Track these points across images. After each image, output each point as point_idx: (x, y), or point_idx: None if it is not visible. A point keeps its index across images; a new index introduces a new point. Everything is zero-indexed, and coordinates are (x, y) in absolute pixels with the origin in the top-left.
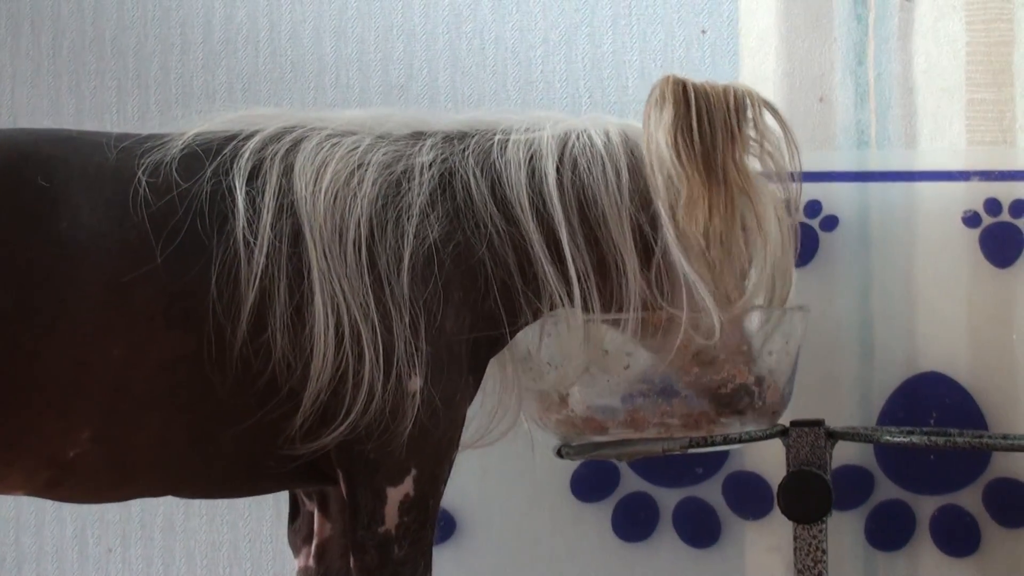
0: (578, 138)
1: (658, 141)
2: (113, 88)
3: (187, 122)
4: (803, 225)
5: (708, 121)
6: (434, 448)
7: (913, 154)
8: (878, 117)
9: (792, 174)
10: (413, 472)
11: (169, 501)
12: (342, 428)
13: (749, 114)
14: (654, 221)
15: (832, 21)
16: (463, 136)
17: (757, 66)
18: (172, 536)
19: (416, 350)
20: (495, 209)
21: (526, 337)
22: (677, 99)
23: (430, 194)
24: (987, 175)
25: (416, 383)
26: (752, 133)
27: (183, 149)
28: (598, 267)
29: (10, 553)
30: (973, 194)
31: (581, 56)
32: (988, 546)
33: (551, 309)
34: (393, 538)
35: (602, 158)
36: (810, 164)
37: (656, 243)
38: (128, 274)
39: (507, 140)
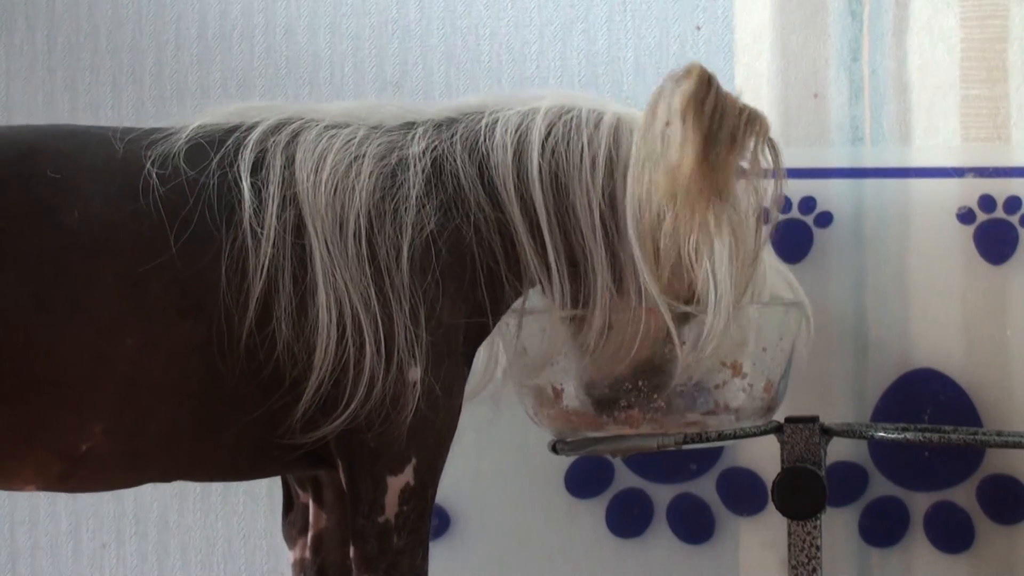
0: (564, 124)
1: (672, 105)
2: (108, 84)
3: (183, 117)
4: (797, 221)
5: (720, 113)
6: (434, 437)
7: (907, 150)
8: (872, 113)
9: (769, 212)
10: (413, 461)
11: (164, 497)
12: (343, 418)
13: (754, 135)
14: (620, 215)
15: (827, 17)
16: (451, 122)
17: (751, 62)
18: (167, 532)
19: (416, 339)
20: (483, 193)
21: (522, 333)
22: (702, 79)
23: (424, 185)
24: (981, 171)
25: (416, 372)
26: (746, 162)
27: (188, 141)
28: (569, 256)
29: (5, 548)
30: (967, 190)
31: (576, 52)
32: (982, 543)
33: (530, 288)
34: (393, 527)
35: (583, 149)
36: (804, 160)
37: (612, 240)
38: (142, 264)
39: (495, 121)
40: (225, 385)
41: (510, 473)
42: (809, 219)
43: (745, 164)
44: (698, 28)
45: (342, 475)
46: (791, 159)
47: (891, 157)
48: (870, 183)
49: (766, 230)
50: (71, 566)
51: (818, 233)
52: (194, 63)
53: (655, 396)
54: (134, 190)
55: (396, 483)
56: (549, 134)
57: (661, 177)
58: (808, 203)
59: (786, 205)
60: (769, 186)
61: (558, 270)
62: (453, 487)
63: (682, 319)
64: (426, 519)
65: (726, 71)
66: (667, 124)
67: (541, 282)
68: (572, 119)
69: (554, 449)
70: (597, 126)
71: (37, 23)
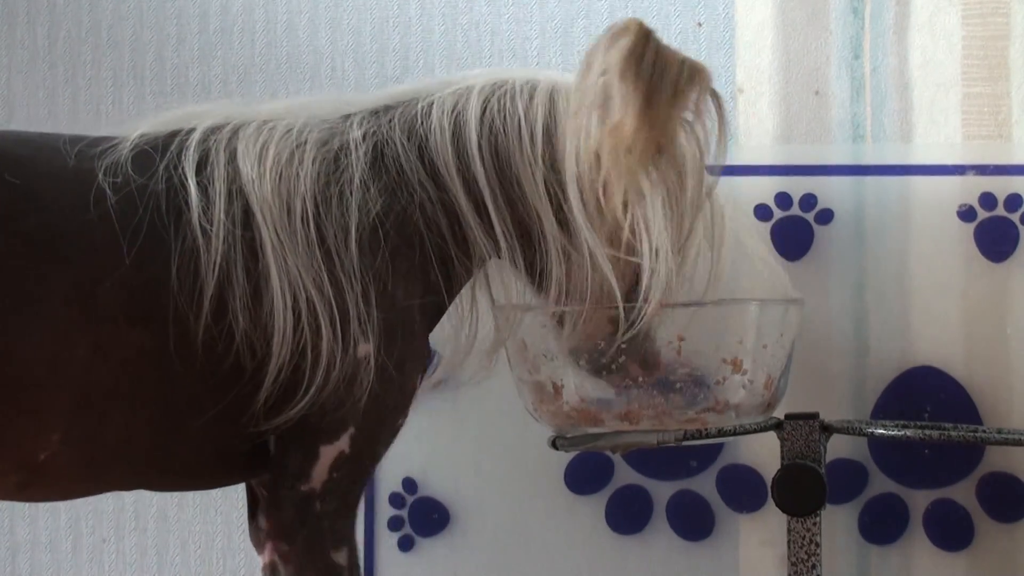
0: (499, 100)
1: (609, 61)
2: (109, 79)
3: (133, 123)
4: (798, 218)
5: (660, 68)
6: (378, 410)
7: (908, 148)
8: (874, 111)
9: (712, 167)
10: (351, 430)
11: (164, 493)
12: (304, 402)
13: (696, 86)
14: (563, 182)
15: (828, 14)
16: (387, 108)
17: (753, 59)
18: (166, 526)
19: (368, 318)
20: (424, 175)
21: (521, 329)
22: (639, 36)
23: (368, 168)
24: (982, 169)
25: (368, 348)
26: (689, 113)
27: (133, 148)
28: (518, 227)
29: (4, 543)
30: (968, 188)
31: (578, 49)
32: (981, 540)
33: (480, 267)
34: (317, 494)
35: (519, 121)
36: (805, 158)
37: (561, 209)
38: (94, 273)
39: (430, 104)
40: (182, 387)
41: (510, 469)
42: (810, 216)
43: (689, 116)
44: (699, 25)
45: (273, 448)
46: (792, 156)
47: (892, 155)
48: (871, 180)
49: (709, 180)
50: (71, 561)
51: (819, 230)
52: (195, 58)
53: (640, 354)
54: (86, 200)
55: (330, 452)
56: (485, 110)
57: (603, 135)
58: (809, 200)
59: (787, 202)
60: (712, 136)
61: (507, 242)
62: (452, 483)
63: (634, 277)
64: (357, 486)
65: (727, 68)
66: (603, 77)
67: (489, 257)
68: (506, 92)
69: (554, 445)
70: (532, 96)
71: (38, 18)
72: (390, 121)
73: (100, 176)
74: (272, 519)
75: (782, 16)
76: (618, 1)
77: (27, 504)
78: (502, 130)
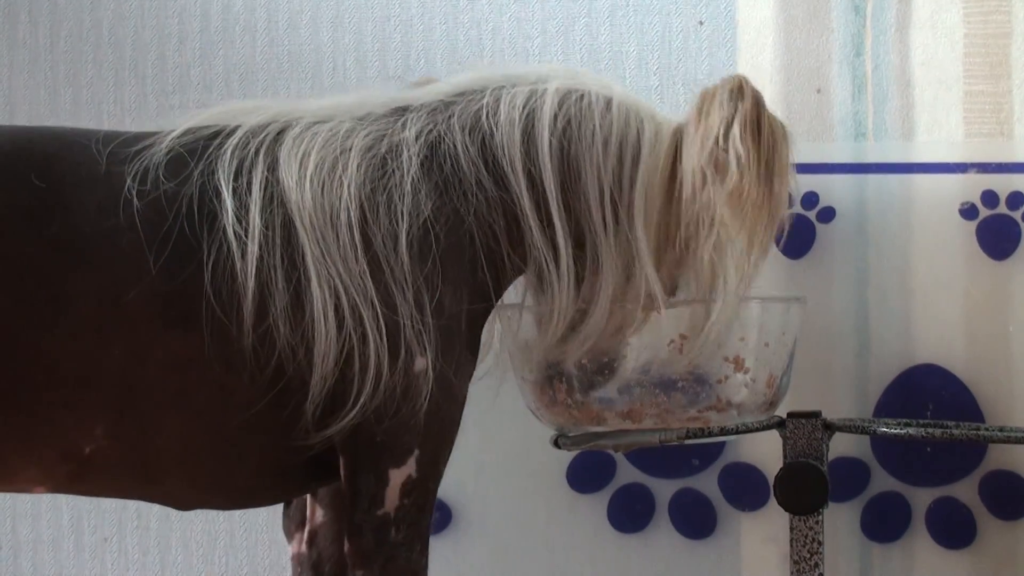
0: (576, 103)
1: (728, 122)
2: (110, 78)
3: (184, 111)
4: (800, 216)
5: (773, 135)
6: (438, 426)
7: (910, 146)
8: (875, 109)
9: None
10: (416, 453)
11: None
12: (354, 412)
13: (790, 149)
14: (625, 200)
15: (830, 12)
16: (447, 105)
17: (754, 57)
18: (168, 525)
19: (423, 327)
20: (484, 172)
21: (524, 328)
22: (756, 101)
23: (419, 168)
24: (984, 167)
25: (426, 360)
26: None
27: (168, 152)
28: (574, 234)
29: (7, 542)
30: (970, 186)
31: (578, 47)
32: (984, 538)
33: (535, 270)
34: (392, 520)
35: (594, 129)
36: (807, 156)
37: (619, 223)
38: (122, 279)
39: (498, 99)
40: (232, 394)
41: (512, 468)
42: (812, 214)
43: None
44: (701, 23)
45: (342, 470)
46: (794, 154)
47: (894, 153)
48: (873, 179)
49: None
50: (73, 560)
51: (821, 228)
52: (196, 57)
53: (598, 381)
54: (115, 205)
55: (398, 476)
56: (560, 111)
57: (718, 195)
58: (811, 198)
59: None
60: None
61: (565, 249)
62: (455, 481)
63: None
64: (427, 512)
65: (729, 66)
66: (720, 135)
67: (546, 261)
68: (582, 97)
69: (556, 444)
70: (608, 108)
71: (40, 17)
72: (449, 118)
73: (128, 181)
74: (353, 545)
75: (783, 14)
76: (619, 0)
77: (30, 503)
78: (576, 135)
